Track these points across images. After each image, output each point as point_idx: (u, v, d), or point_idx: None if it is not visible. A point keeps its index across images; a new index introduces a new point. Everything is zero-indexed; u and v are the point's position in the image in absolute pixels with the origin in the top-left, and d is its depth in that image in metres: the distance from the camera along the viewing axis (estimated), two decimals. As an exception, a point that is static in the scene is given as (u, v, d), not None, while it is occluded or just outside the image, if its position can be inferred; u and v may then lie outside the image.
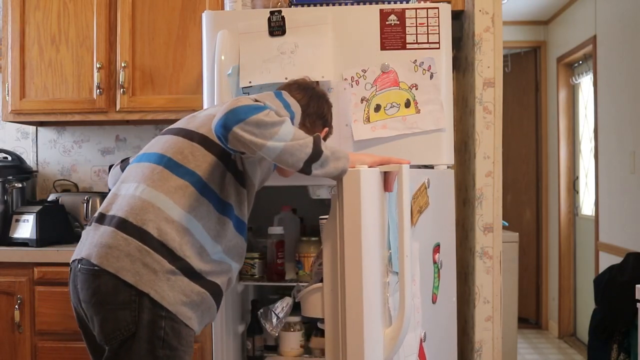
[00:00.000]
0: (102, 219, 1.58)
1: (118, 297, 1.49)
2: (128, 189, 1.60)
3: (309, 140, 1.51)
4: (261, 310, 2.13)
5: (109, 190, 1.74)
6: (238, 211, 1.66)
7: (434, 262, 1.93)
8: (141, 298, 1.49)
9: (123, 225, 1.53)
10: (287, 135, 1.48)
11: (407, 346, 1.67)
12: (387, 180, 1.59)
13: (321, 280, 1.60)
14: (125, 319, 1.49)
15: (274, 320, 2.06)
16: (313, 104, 1.83)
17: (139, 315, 1.49)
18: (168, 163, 1.60)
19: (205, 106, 2.16)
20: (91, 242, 1.56)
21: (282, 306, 2.07)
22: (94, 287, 1.51)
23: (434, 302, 1.93)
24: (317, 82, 1.98)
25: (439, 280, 1.97)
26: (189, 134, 1.64)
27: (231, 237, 1.65)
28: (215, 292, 1.63)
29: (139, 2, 2.64)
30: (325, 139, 1.85)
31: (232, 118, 1.44)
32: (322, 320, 1.62)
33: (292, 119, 1.63)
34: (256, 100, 1.53)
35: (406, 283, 1.54)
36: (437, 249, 1.96)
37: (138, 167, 1.64)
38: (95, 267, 1.51)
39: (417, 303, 1.76)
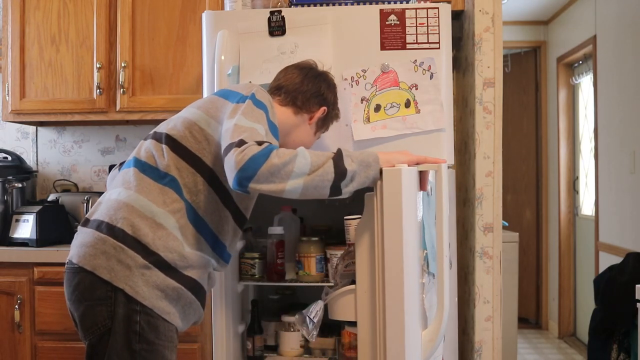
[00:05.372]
0: (85, 223, 1.65)
1: (95, 293, 1.55)
2: (110, 195, 1.67)
3: (328, 165, 1.47)
4: (296, 317, 2.12)
5: None
6: (213, 224, 1.65)
7: None
8: (116, 293, 1.53)
9: (100, 226, 1.59)
10: (304, 167, 1.45)
11: (438, 347, 1.66)
12: (422, 180, 1.57)
13: (351, 283, 1.57)
14: (102, 314, 1.54)
15: (310, 325, 2.05)
16: (307, 82, 1.81)
17: (115, 310, 1.53)
18: (142, 166, 1.64)
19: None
20: (74, 244, 1.63)
21: (315, 310, 2.06)
22: (73, 285, 1.58)
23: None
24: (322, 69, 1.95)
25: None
26: (159, 136, 1.68)
27: (202, 247, 1.65)
28: (194, 288, 1.63)
29: (139, 2, 2.64)
30: (325, 120, 1.86)
31: (244, 176, 1.42)
32: (351, 323, 1.58)
33: (267, 116, 1.61)
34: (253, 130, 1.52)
35: (445, 284, 1.52)
36: None
37: (120, 175, 1.70)
38: (75, 266, 1.58)
39: None
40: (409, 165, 1.52)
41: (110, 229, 1.56)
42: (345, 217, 2.06)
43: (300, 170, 1.44)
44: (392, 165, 1.50)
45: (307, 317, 2.02)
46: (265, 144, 1.46)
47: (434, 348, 1.53)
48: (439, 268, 1.53)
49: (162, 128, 1.70)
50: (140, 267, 1.54)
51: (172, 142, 1.64)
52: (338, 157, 1.49)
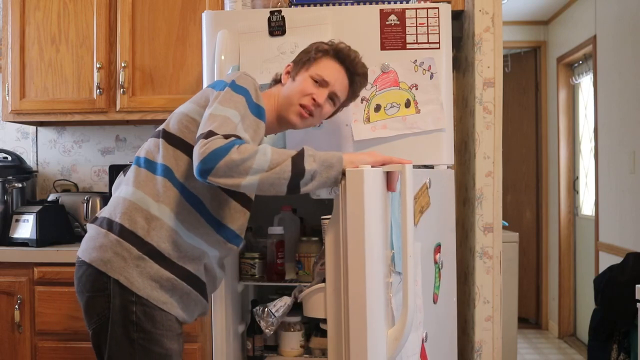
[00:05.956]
0: (93, 220, 1.73)
1: (94, 284, 1.62)
2: (114, 193, 1.76)
3: (286, 164, 1.48)
4: (257, 308, 2.13)
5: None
6: (213, 210, 1.68)
7: (435, 262, 1.93)
8: (113, 284, 1.60)
9: (102, 221, 1.67)
10: (263, 164, 1.47)
11: (409, 346, 1.67)
12: (389, 180, 1.59)
13: (323, 281, 1.60)
14: (101, 304, 1.61)
15: (270, 319, 2.06)
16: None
17: (112, 300, 1.60)
18: (143, 163, 1.70)
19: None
20: (82, 240, 1.72)
21: (279, 305, 2.07)
22: (77, 277, 1.68)
23: (434, 302, 1.94)
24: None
25: (439, 280, 1.97)
26: (157, 134, 1.73)
27: (205, 230, 1.68)
28: (188, 279, 1.66)
29: (139, 2, 2.63)
30: (299, 63, 1.79)
31: (204, 168, 1.46)
32: (324, 321, 1.61)
33: (248, 100, 1.61)
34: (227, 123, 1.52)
35: (409, 283, 1.54)
36: (437, 249, 1.96)
37: (126, 175, 1.77)
38: (79, 259, 1.67)
39: (420, 303, 1.76)
40: (374, 166, 1.54)
41: (109, 224, 1.64)
42: (322, 217, 2.07)
43: (258, 166, 1.46)
44: (356, 166, 1.51)
45: (269, 311, 2.04)
46: (231, 138, 1.47)
47: (400, 346, 1.55)
48: (404, 268, 1.54)
49: (160, 127, 1.75)
50: (135, 259, 1.60)
51: (167, 136, 1.69)
52: (298, 157, 1.50)
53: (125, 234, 1.61)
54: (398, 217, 1.60)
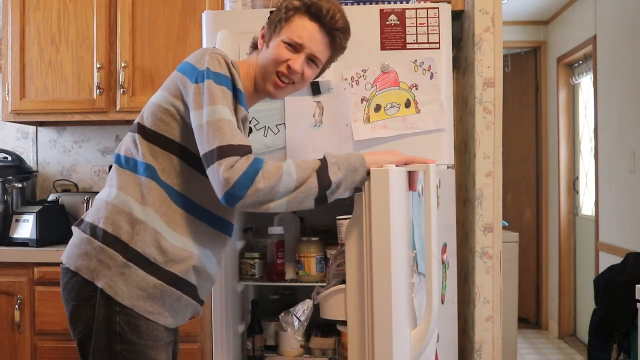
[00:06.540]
0: (78, 223, 1.66)
1: (80, 293, 1.56)
2: (98, 195, 1.68)
3: (312, 180, 1.46)
4: (282, 315, 2.13)
5: None
6: (203, 203, 1.61)
7: (442, 262, 1.93)
8: (97, 294, 1.54)
9: (85, 226, 1.60)
10: (290, 185, 1.45)
11: (428, 347, 1.66)
12: (411, 180, 1.56)
13: (342, 282, 1.57)
14: (86, 314, 1.55)
15: (296, 323, 2.05)
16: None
17: (97, 310, 1.54)
18: (121, 161, 1.63)
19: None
20: (68, 244, 1.65)
21: (303, 309, 2.06)
22: (62, 285, 1.61)
23: (442, 302, 1.93)
24: None
25: (446, 280, 1.97)
26: (133, 128, 1.65)
27: (197, 228, 1.61)
28: (177, 283, 1.58)
29: (139, 2, 2.64)
30: (271, 27, 1.65)
31: (230, 199, 1.43)
32: (342, 323, 1.58)
33: (229, 87, 1.53)
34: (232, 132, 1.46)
35: (433, 283, 1.53)
36: (444, 248, 1.95)
37: (109, 176, 1.70)
38: (64, 266, 1.60)
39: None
40: (397, 166, 1.52)
41: (92, 229, 1.57)
42: (338, 217, 2.07)
43: (285, 189, 1.45)
44: (380, 166, 1.50)
45: (294, 316, 2.03)
46: (249, 159, 1.44)
47: (423, 347, 1.53)
48: (427, 268, 1.53)
49: (135, 119, 1.67)
50: (119, 267, 1.53)
51: (142, 130, 1.61)
52: (322, 169, 1.48)
53: (108, 239, 1.53)
54: (418, 216, 1.59)
